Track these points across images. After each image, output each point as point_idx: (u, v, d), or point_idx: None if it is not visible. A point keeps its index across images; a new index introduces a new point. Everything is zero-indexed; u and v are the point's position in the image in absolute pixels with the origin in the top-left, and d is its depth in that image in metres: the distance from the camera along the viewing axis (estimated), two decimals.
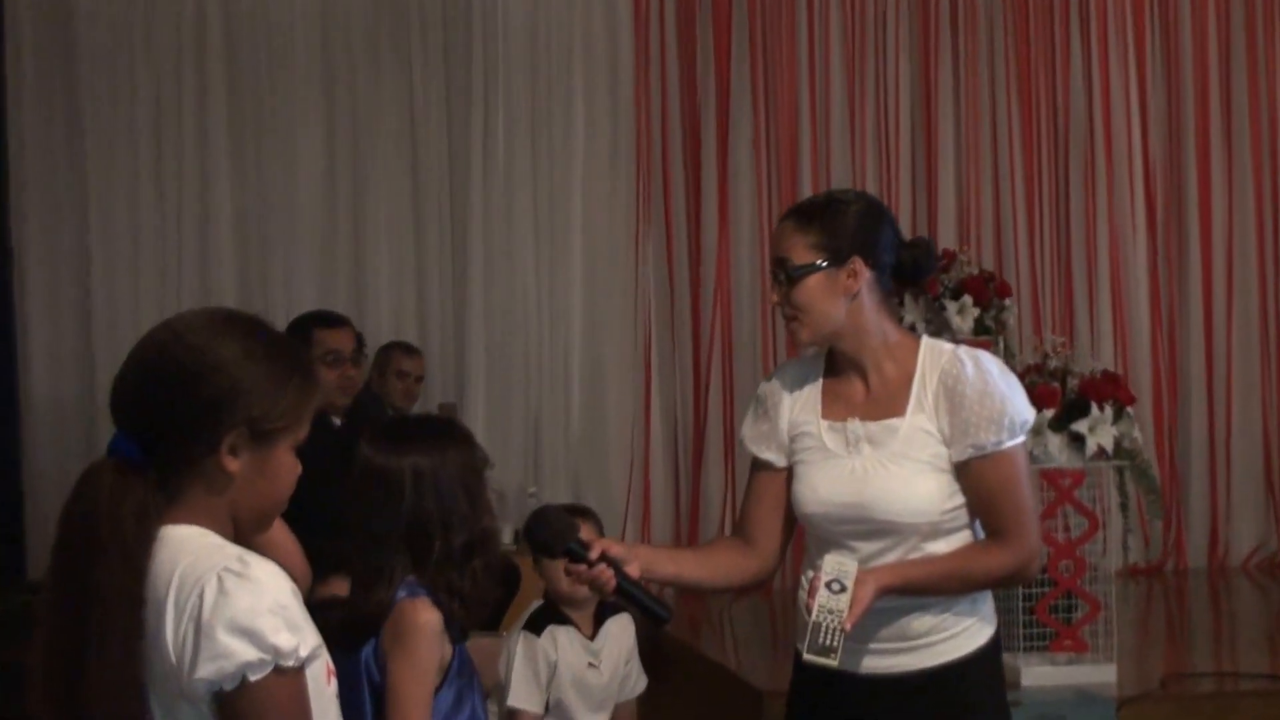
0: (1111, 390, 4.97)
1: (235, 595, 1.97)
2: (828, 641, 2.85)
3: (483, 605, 2.96)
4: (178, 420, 2.04)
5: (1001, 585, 3.18)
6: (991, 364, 3.05)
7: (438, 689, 2.90)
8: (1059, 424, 4.92)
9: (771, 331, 7.81)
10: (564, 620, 4.24)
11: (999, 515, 3.02)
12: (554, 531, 3.02)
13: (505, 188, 7.76)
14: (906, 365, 3.07)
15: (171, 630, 1.98)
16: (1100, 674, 4.99)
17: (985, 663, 3.10)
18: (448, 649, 2.92)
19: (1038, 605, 4.99)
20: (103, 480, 2.02)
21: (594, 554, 2.96)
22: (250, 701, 1.97)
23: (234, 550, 2.04)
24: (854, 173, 7.96)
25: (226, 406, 2.05)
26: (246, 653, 1.96)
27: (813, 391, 3.16)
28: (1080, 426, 4.90)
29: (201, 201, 7.50)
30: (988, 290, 6.46)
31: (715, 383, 7.86)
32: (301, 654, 2.00)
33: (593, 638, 4.28)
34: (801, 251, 3.03)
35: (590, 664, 4.24)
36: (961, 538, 3.06)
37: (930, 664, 3.05)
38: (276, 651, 1.97)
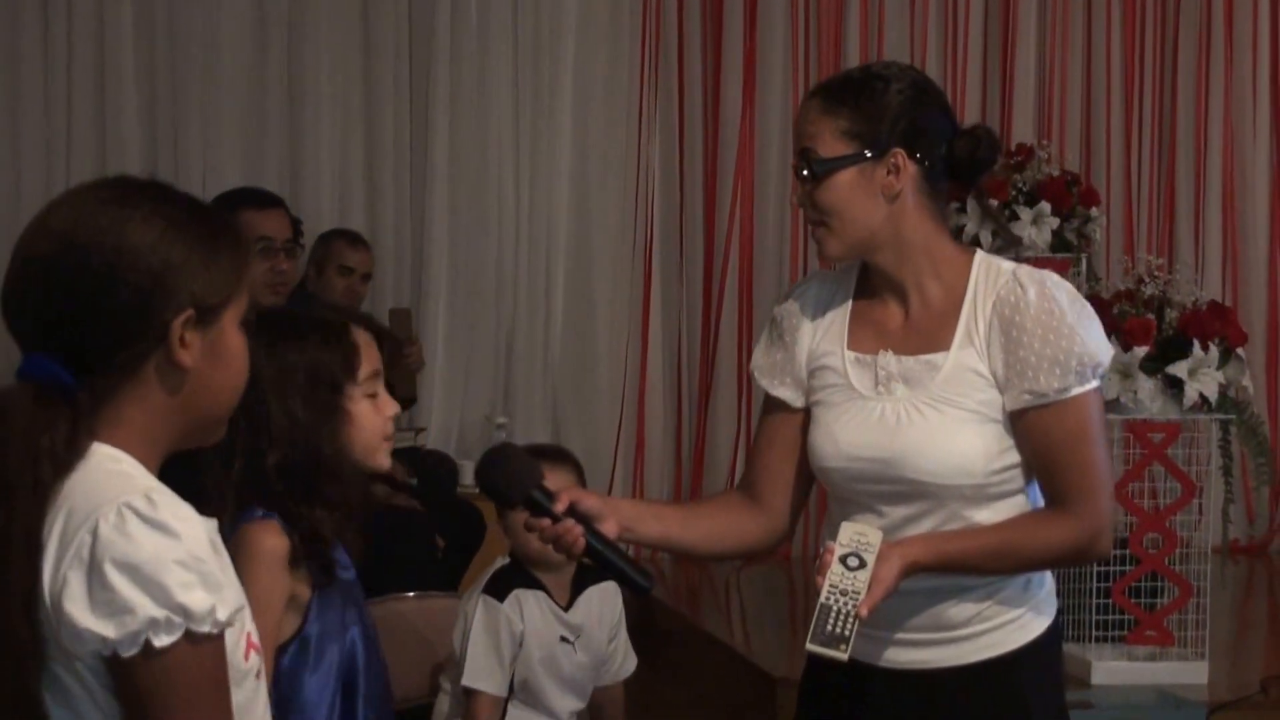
0: (1219, 327, 4.96)
1: (138, 538, 1.95)
2: (837, 629, 2.78)
3: (328, 552, 2.96)
4: (109, 324, 2.04)
5: (1061, 564, 3.21)
6: (1060, 290, 3.00)
7: (287, 641, 2.93)
8: (1152, 365, 4.91)
9: (802, 242, 7.81)
10: (534, 584, 4.26)
11: (1062, 478, 2.98)
12: (511, 475, 2.98)
13: (478, 48, 7.72)
14: (956, 287, 3.03)
15: (50, 569, 1.97)
16: (1188, 673, 5.01)
17: (1037, 660, 3.07)
18: (303, 589, 2.95)
19: (1115, 587, 5.01)
20: (17, 412, 2.01)
21: (560, 506, 2.92)
22: (153, 673, 1.94)
23: (144, 484, 2.02)
24: (912, 46, 7.93)
25: (163, 292, 2.05)
26: (148, 607, 1.93)
27: (839, 316, 3.12)
28: (1178, 370, 4.89)
29: (98, 49, 7.44)
30: (1070, 196, 6.46)
31: (730, 303, 7.86)
32: (220, 617, 1.98)
33: (568, 608, 4.30)
34: (830, 140, 2.98)
35: (564, 638, 4.27)
36: (1014, 504, 3.02)
37: (969, 660, 3.03)
38: (185, 612, 1.94)
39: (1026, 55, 8.10)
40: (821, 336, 3.11)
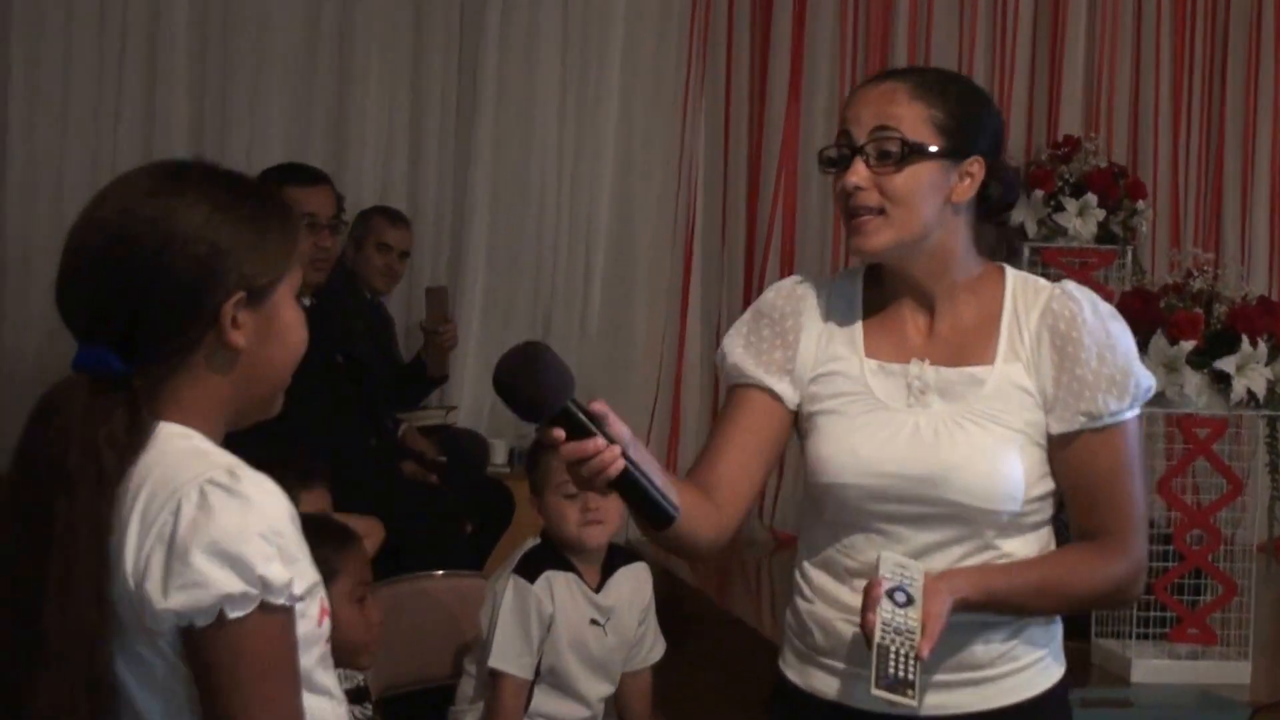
0: (1267, 322, 4.90)
1: (220, 513, 1.97)
2: (899, 672, 2.54)
3: None
4: (158, 309, 2.05)
5: (1102, 606, 2.94)
6: (1108, 308, 2.84)
7: None
8: (1199, 360, 4.84)
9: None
10: (565, 565, 4.20)
11: (1105, 509, 2.78)
12: (547, 381, 2.41)
13: (527, 31, 7.71)
14: (990, 302, 2.84)
15: (133, 550, 1.98)
16: (1230, 672, 4.96)
17: (1058, 708, 2.88)
18: None
19: (1157, 583, 4.94)
20: (74, 402, 2.03)
21: (596, 408, 2.46)
22: (226, 642, 1.97)
23: (223, 459, 2.04)
24: (961, 35, 7.89)
25: (213, 274, 2.06)
26: (228, 582, 1.95)
27: (849, 321, 2.89)
28: (1226, 365, 4.83)
29: (152, 22, 7.39)
30: (1117, 188, 6.42)
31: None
32: (295, 591, 2.00)
33: (598, 589, 4.25)
34: (919, 126, 2.76)
35: (594, 621, 4.22)
36: (1041, 537, 2.82)
37: (994, 704, 2.80)
38: (264, 584, 1.97)
39: (1075, 46, 8.06)
40: (829, 342, 2.88)
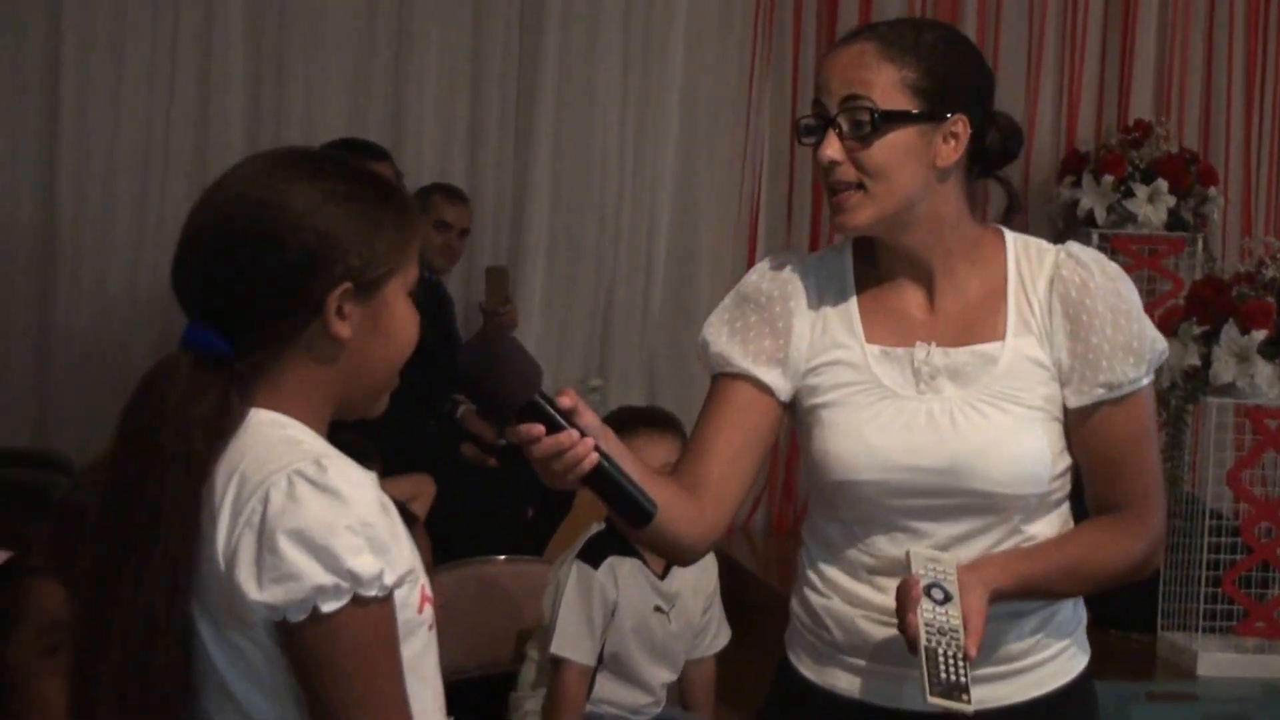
0: None
1: (308, 503, 1.97)
2: (951, 676, 2.43)
3: None
4: (264, 295, 2.06)
5: (1125, 580, 2.76)
6: (1115, 267, 2.71)
7: None
8: (1271, 349, 4.84)
9: None
10: (629, 551, 4.20)
11: (1123, 481, 2.68)
12: (512, 373, 2.31)
13: (589, 6, 7.64)
14: (992, 269, 2.70)
15: (224, 536, 1.99)
16: None
17: (1088, 697, 2.78)
18: None
19: (1225, 576, 4.96)
20: (175, 380, 2.04)
21: (564, 402, 2.36)
22: (322, 637, 1.96)
23: (313, 449, 2.04)
24: (1031, 16, 7.80)
25: (320, 264, 2.06)
26: (318, 574, 1.95)
27: (843, 304, 2.71)
28: None
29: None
30: (1188, 175, 6.41)
31: None
32: (386, 582, 1.99)
33: (663, 576, 4.25)
34: (890, 91, 2.59)
35: (658, 608, 4.23)
36: (1063, 514, 2.71)
37: (1028, 695, 2.69)
38: (354, 578, 1.96)
39: (1147, 29, 7.95)
40: (824, 328, 2.70)
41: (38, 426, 7.05)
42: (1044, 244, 2.72)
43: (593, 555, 4.18)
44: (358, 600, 1.96)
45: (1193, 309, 4.98)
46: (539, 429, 2.32)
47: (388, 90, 7.51)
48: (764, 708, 2.87)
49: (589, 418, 2.38)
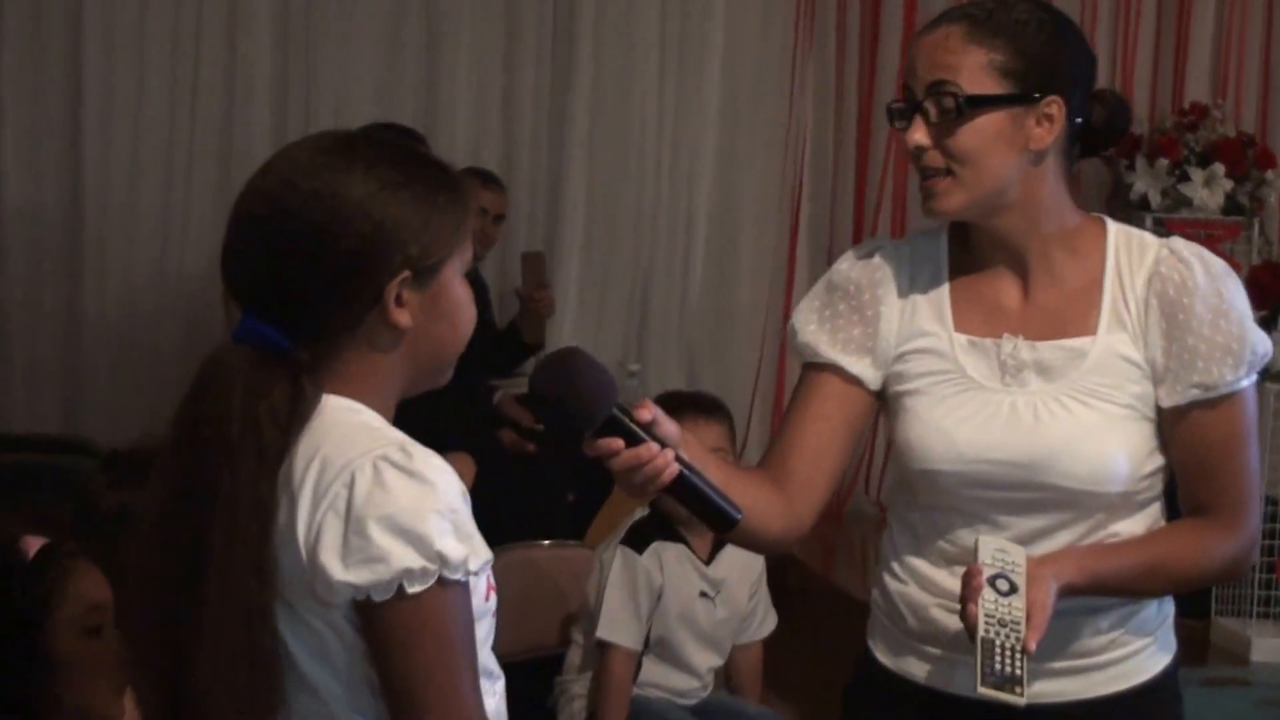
0: None
1: (396, 490, 1.98)
2: (1006, 667, 2.43)
3: None
4: (321, 287, 2.06)
5: (1212, 583, 2.78)
6: (1220, 265, 2.67)
7: None
8: None
9: None
10: (675, 537, 4.24)
11: (1218, 483, 2.65)
12: (587, 391, 2.30)
13: None
14: (1091, 261, 2.67)
15: (304, 520, 2.01)
16: None
17: (1172, 692, 2.76)
18: None
19: (1278, 562, 4.97)
20: (235, 374, 2.04)
21: (643, 414, 2.36)
22: (404, 617, 1.98)
23: (394, 435, 2.05)
24: None
25: (377, 254, 2.06)
26: (407, 557, 1.97)
27: (934, 291, 2.73)
28: None
29: None
30: (1245, 159, 6.37)
31: None
32: (471, 567, 2.01)
33: (709, 561, 4.27)
34: (977, 75, 2.57)
35: (703, 594, 4.25)
36: (1151, 514, 2.69)
37: (1100, 692, 2.68)
38: (442, 560, 1.98)
39: (1204, 9, 7.94)
40: (913, 315, 2.72)
41: (68, 413, 7.08)
42: (1147, 237, 2.68)
43: (637, 541, 4.22)
44: (442, 582, 1.98)
45: (1250, 294, 4.95)
46: (618, 444, 2.33)
47: (419, 73, 7.51)
48: (846, 694, 2.89)
49: (668, 427, 2.38)
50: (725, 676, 4.43)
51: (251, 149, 7.12)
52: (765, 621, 4.39)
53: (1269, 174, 6.36)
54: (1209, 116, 6.40)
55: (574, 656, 4.30)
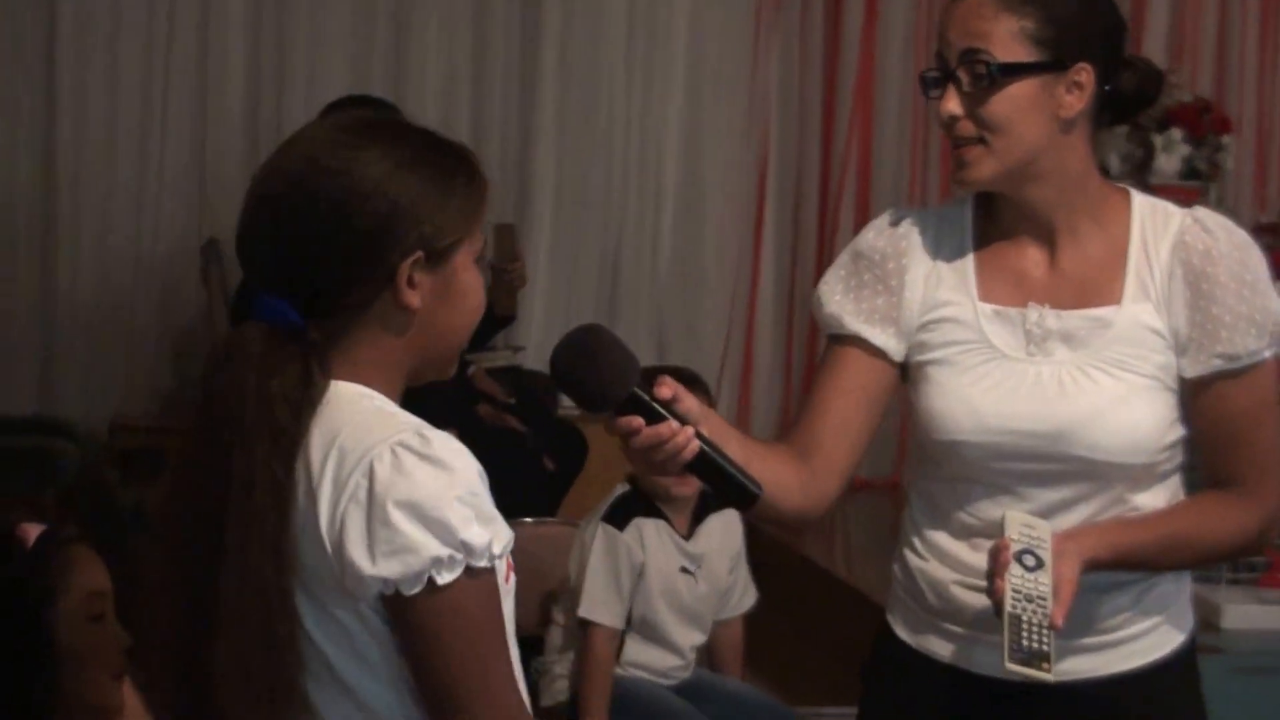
0: None
1: (417, 477, 1.98)
2: (1033, 643, 2.42)
3: None
4: (335, 265, 2.06)
5: (1234, 556, 2.78)
6: (1244, 236, 2.66)
7: None
8: None
9: (922, 162, 7.75)
10: (654, 512, 4.24)
11: (1239, 455, 2.63)
12: (609, 368, 2.32)
13: None
14: (1116, 231, 2.66)
15: (326, 512, 2.00)
16: None
17: (1187, 670, 2.75)
18: None
19: None
20: (250, 351, 2.04)
21: (663, 392, 2.37)
22: (436, 608, 1.97)
23: (410, 420, 2.05)
24: None
25: (392, 233, 2.06)
26: (433, 548, 1.95)
27: (959, 260, 2.71)
28: None
29: None
30: (1203, 123, 6.40)
31: (846, 222, 7.73)
32: (495, 551, 1.99)
33: (688, 536, 4.28)
34: (1008, 42, 2.57)
35: (684, 569, 4.26)
36: (1171, 486, 2.69)
37: (1119, 668, 2.67)
38: (467, 548, 1.97)
39: None
40: (938, 284, 2.70)
41: (42, 394, 7.08)
42: (1171, 207, 2.68)
43: (618, 517, 4.21)
44: (470, 571, 1.97)
45: None
46: (638, 421, 2.33)
47: (388, 45, 7.51)
48: (864, 671, 2.87)
49: (689, 403, 2.38)
50: (707, 654, 4.42)
51: (225, 122, 7.16)
52: (745, 596, 4.40)
53: (1225, 139, 6.40)
54: (1166, 82, 6.46)
55: (555, 636, 4.28)
